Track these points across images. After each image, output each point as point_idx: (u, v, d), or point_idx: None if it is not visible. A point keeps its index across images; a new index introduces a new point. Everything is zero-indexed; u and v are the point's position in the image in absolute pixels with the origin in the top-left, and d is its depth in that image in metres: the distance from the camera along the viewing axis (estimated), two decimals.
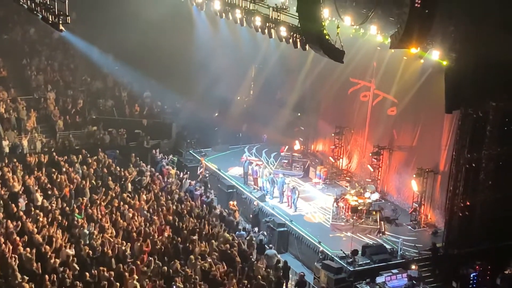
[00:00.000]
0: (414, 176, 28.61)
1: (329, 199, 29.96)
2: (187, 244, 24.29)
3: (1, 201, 26.28)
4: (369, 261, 25.04)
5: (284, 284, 23.73)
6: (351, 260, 24.89)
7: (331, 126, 33.94)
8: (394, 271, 24.37)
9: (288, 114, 37.05)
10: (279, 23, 23.33)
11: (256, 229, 28.26)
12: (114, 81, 39.29)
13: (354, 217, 27.97)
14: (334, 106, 34.48)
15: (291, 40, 22.59)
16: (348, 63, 22.94)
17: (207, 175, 32.85)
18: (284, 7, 23.61)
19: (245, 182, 32.07)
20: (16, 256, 21.82)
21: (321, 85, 34.38)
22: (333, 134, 33.48)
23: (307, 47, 21.50)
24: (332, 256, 25.32)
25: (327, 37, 19.30)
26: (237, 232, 26.70)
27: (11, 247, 22.48)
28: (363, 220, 27.99)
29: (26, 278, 20.77)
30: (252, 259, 24.42)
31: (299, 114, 37.17)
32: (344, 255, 25.19)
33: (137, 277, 21.45)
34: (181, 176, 31.92)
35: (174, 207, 27.68)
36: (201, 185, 31.56)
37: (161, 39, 35.90)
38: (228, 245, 24.37)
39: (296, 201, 29.65)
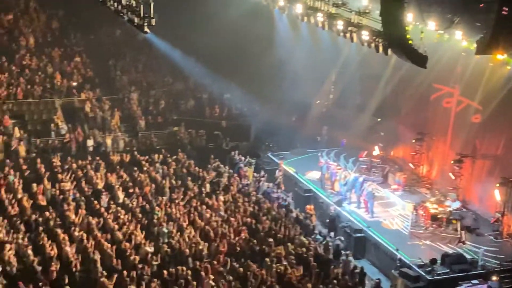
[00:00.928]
0: (498, 185, 27.86)
1: (408, 206, 29.48)
2: (263, 246, 24.37)
3: (85, 198, 27.06)
4: (448, 270, 24.47)
5: None
6: (429, 269, 24.38)
7: (412, 132, 33.42)
8: (474, 281, 23.73)
9: (368, 119, 36.69)
10: (361, 27, 23.11)
11: (332, 234, 28.11)
12: (195, 83, 39.81)
13: (434, 225, 27.40)
14: (415, 112, 33.91)
15: (373, 45, 22.34)
16: (431, 69, 22.45)
17: (283, 178, 32.90)
18: (367, 11, 23.36)
19: (322, 187, 31.91)
20: (98, 252, 22.40)
21: (403, 91, 33.91)
22: (413, 141, 32.95)
23: (389, 51, 21.23)
24: (410, 264, 24.91)
25: (410, 41, 19.02)
26: (313, 236, 26.62)
27: (93, 243, 23.11)
28: (443, 228, 27.36)
29: (106, 273, 21.35)
30: (328, 264, 24.28)
31: (379, 119, 36.76)
32: (423, 263, 24.71)
33: (213, 277, 21.69)
34: (258, 178, 32.07)
35: (251, 209, 27.83)
36: (278, 188, 31.63)
37: (242, 41, 36.11)
38: (304, 249, 24.33)
39: (372, 207, 29.34)
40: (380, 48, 21.91)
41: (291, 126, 37.74)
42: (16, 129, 32.71)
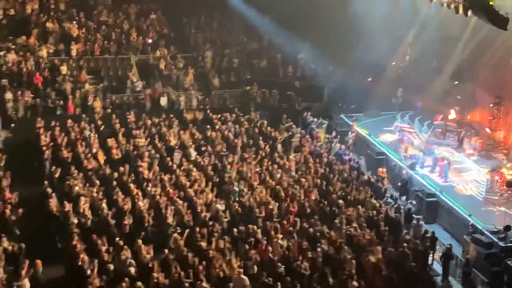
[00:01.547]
0: None
1: (483, 171, 28.78)
2: (334, 208, 24.29)
3: (158, 155, 27.45)
4: None
5: (431, 255, 23.23)
6: (503, 235, 23.79)
7: (489, 96, 32.45)
8: None
9: (444, 82, 35.79)
10: None
11: (404, 197, 27.76)
12: (269, 42, 39.60)
13: (509, 192, 26.73)
14: (494, 75, 32.83)
15: (452, 5, 21.74)
16: None
17: (355, 140, 32.60)
18: None
19: (395, 150, 31.46)
20: (170, 208, 22.76)
21: (481, 53, 32.83)
22: (491, 105, 32.02)
23: (469, 13, 20.59)
24: (483, 230, 24.39)
25: (491, 3, 18.40)
26: (385, 200, 26.35)
27: (165, 199, 23.48)
28: None
29: (178, 229, 21.70)
30: (399, 227, 24.03)
31: (456, 82, 35.83)
32: (496, 230, 24.15)
33: (282, 236, 21.78)
34: (330, 139, 31.85)
35: (322, 171, 27.72)
36: (350, 150, 31.38)
37: (317, 1, 35.62)
38: (375, 212, 24.14)
39: (447, 172, 28.76)
40: (460, 9, 21.32)
41: (365, 87, 37.20)
42: (90, 86, 33.35)
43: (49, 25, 35.46)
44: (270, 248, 20.96)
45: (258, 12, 37.84)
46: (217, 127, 31.09)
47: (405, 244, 21.86)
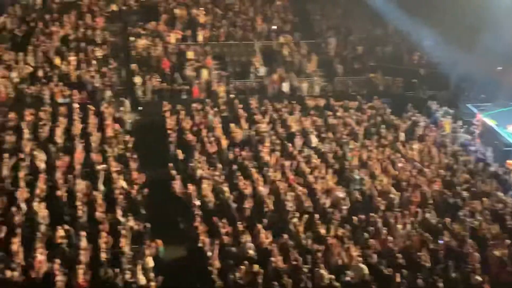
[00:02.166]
0: None
1: None
2: (457, 200, 23.58)
3: (279, 141, 27.60)
4: None
5: None
6: None
7: None
8: None
9: None
10: None
11: None
12: (394, 29, 38.83)
13: None
14: None
15: None
16: None
17: (483, 130, 31.43)
18: None
19: None
20: (291, 194, 22.85)
21: None
22: None
23: None
24: None
25: None
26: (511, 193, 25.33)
27: (286, 185, 23.59)
28: None
29: (297, 215, 21.76)
30: None
31: None
32: None
33: (403, 227, 21.40)
34: (456, 129, 30.90)
35: (447, 161, 26.98)
36: (477, 141, 30.33)
37: None
38: (501, 205, 23.24)
39: None
40: None
41: (494, 76, 35.74)
42: (215, 71, 33.91)
43: (177, 11, 36.32)
44: (390, 238, 20.66)
45: None
46: (339, 114, 30.86)
47: None
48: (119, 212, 21.29)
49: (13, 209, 20.90)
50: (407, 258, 19.83)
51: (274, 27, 37.47)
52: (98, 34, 33.68)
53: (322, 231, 20.94)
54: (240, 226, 20.87)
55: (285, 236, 20.50)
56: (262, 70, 34.41)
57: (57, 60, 31.49)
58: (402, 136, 29.36)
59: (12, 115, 27.13)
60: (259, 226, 20.86)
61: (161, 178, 24.78)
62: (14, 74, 30.14)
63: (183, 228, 22.38)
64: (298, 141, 27.73)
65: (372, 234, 20.99)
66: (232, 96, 32.15)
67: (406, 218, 22.07)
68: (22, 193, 21.77)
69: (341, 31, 38.65)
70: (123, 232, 20.14)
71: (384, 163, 26.23)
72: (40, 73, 30.59)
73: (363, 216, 21.94)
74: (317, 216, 21.67)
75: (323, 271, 18.79)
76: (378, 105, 32.29)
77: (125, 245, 19.71)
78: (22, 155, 24.25)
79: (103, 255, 19.08)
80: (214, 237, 20.22)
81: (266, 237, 20.43)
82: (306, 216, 21.60)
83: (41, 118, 27.26)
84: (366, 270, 19.05)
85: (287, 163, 25.43)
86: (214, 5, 37.78)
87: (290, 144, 27.22)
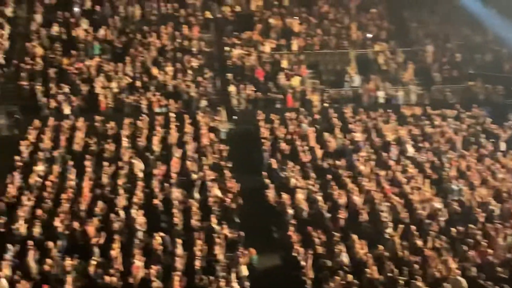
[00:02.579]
0: None
1: None
2: None
3: (374, 150, 27.24)
4: None
5: None
6: None
7: None
8: None
9: None
10: None
11: None
12: (494, 35, 37.66)
13: None
14: None
15: None
16: None
17: None
18: None
19: None
20: (386, 204, 22.48)
21: None
22: None
23: None
24: None
25: None
26: None
27: (381, 195, 23.22)
28: None
29: (392, 225, 21.37)
30: None
31: None
32: None
33: (503, 238, 20.70)
34: None
35: None
36: None
37: None
38: None
39: None
40: None
41: None
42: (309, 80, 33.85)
43: (272, 20, 36.50)
44: (490, 250, 19.98)
45: (483, 4, 36.20)
46: (436, 123, 30.18)
47: None
48: (214, 220, 21.50)
49: (112, 215, 21.45)
50: (508, 271, 19.14)
51: (370, 35, 37.07)
52: (194, 44, 34.25)
53: (419, 242, 20.46)
54: (335, 236, 20.65)
55: (381, 247, 20.16)
56: (357, 79, 34.08)
57: (154, 70, 32.20)
58: (502, 146, 28.40)
59: (111, 124, 27.90)
60: (354, 236, 20.58)
61: (255, 186, 24.90)
62: (113, 84, 31.03)
63: (276, 237, 22.38)
64: (394, 150, 27.28)
65: (471, 246, 20.35)
66: (326, 105, 31.98)
67: (507, 230, 21.29)
68: (120, 201, 22.35)
69: (438, 38, 37.82)
70: (217, 240, 20.32)
71: (484, 173, 25.43)
72: (138, 83, 31.37)
73: (461, 228, 21.32)
74: (413, 227, 21.20)
75: (420, 284, 18.35)
76: (477, 113, 31.38)
77: (219, 253, 19.87)
78: (121, 163, 24.92)
79: (198, 263, 19.28)
80: (308, 247, 20.09)
81: (361, 248, 20.13)
82: (402, 226, 21.17)
83: (139, 127, 27.93)
84: (464, 283, 18.46)
85: (382, 172, 25.05)
86: (309, 14, 37.72)
87: (385, 154, 26.80)
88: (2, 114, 29.33)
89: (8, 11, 35.15)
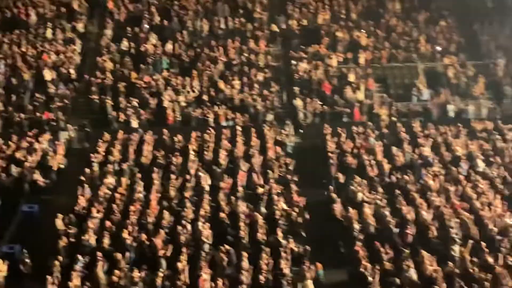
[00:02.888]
0: None
1: None
2: None
3: (443, 165, 26.73)
4: None
5: None
6: None
7: None
8: None
9: None
10: None
11: None
12: None
13: None
14: None
15: None
16: None
17: None
18: None
19: None
20: (456, 220, 21.98)
21: None
22: None
23: None
24: None
25: None
26: None
27: (450, 210, 22.75)
28: None
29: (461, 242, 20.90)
30: None
31: None
32: None
33: None
34: None
35: None
36: None
37: None
38: None
39: None
40: None
41: None
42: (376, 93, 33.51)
43: (339, 34, 36.34)
44: None
45: None
46: (507, 137, 29.41)
47: None
48: (280, 234, 21.41)
49: (179, 228, 21.61)
50: None
51: (439, 48, 36.47)
52: (261, 58, 34.37)
53: (490, 259, 19.95)
54: (403, 251, 20.30)
55: (450, 263, 19.72)
56: (426, 93, 33.55)
57: (221, 84, 32.43)
58: None
59: (179, 137, 28.19)
60: (423, 252, 20.19)
61: (322, 200, 24.73)
62: (181, 98, 31.38)
63: (343, 252, 22.15)
64: (464, 165, 26.70)
65: None
66: (394, 119, 31.58)
67: None
68: (187, 213, 22.50)
69: (510, 51, 36.91)
70: (283, 254, 20.22)
71: None
72: (205, 97, 31.62)
73: None
74: (484, 243, 20.67)
75: None
76: None
77: (285, 267, 19.77)
78: (188, 176, 25.11)
79: (264, 277, 19.21)
80: (376, 262, 19.81)
81: (430, 264, 19.73)
82: (472, 243, 20.67)
83: (206, 140, 28.13)
84: None
85: (452, 188, 24.54)
86: (376, 27, 37.40)
87: (455, 168, 26.26)
88: (73, 127, 29.95)
89: (80, 26, 36.11)
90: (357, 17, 38.17)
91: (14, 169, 26.06)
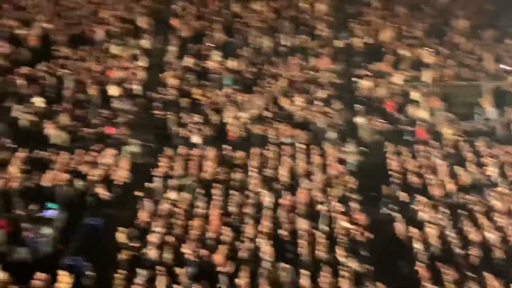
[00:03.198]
0: None
1: None
2: None
3: (509, 185, 26.19)
4: None
5: None
6: None
7: None
8: None
9: None
10: None
11: None
12: None
13: None
14: None
15: None
16: None
17: None
18: None
19: None
20: None
21: None
22: None
23: None
24: None
25: None
26: None
27: None
28: None
29: None
30: None
31: None
32: None
33: None
34: None
35: None
36: None
37: None
38: None
39: None
40: None
41: None
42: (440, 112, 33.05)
43: (402, 51, 36.02)
44: None
45: None
46: None
47: None
48: (340, 253, 21.25)
49: (239, 244, 21.66)
50: None
51: (505, 66, 35.76)
52: (323, 75, 34.30)
53: None
54: (466, 274, 19.90)
55: None
56: (491, 112, 32.91)
57: (283, 101, 32.47)
58: None
59: (239, 153, 28.31)
60: (487, 274, 19.75)
61: (383, 219, 24.50)
62: (242, 114, 31.52)
63: (405, 272, 21.82)
64: None
65: None
66: (458, 137, 31.04)
67: None
68: (248, 230, 22.55)
69: None
70: (344, 273, 20.05)
71: None
72: (267, 113, 31.69)
73: None
74: None
75: None
76: None
77: (346, 286, 19.60)
78: (248, 193, 25.18)
79: None
80: (438, 284, 19.49)
81: (494, 287, 19.29)
82: None
83: (266, 157, 28.17)
84: None
85: None
86: (440, 44, 36.93)
87: None
88: (136, 142, 30.40)
89: (145, 43, 36.71)
90: (421, 34, 37.79)
91: (79, 183, 26.58)
